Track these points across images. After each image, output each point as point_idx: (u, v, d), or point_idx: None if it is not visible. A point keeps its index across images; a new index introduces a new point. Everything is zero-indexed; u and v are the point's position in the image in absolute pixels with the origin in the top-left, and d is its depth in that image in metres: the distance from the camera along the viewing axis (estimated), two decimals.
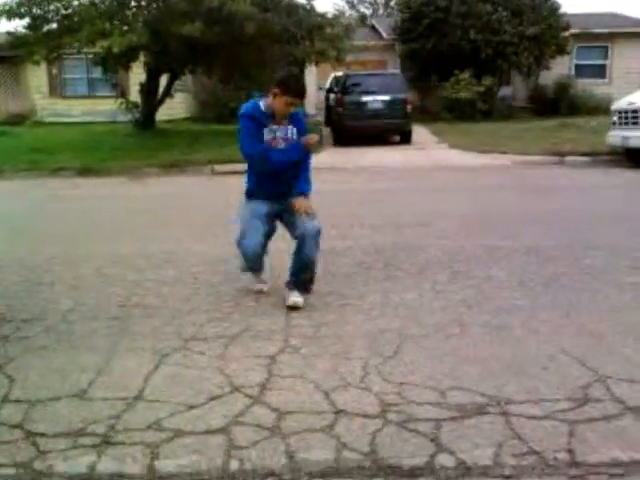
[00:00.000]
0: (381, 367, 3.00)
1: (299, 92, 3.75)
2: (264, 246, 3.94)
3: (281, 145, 3.80)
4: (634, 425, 2.43)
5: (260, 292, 4.14)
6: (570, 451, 2.26)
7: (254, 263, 4.02)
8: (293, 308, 3.80)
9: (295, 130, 3.85)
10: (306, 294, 3.92)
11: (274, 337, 3.39)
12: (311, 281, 3.96)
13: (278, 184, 3.84)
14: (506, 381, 2.81)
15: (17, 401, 2.72)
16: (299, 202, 3.78)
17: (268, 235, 3.95)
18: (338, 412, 2.58)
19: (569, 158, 11.14)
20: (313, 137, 3.86)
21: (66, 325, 3.64)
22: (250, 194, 3.96)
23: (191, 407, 2.64)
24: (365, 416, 2.55)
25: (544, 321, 3.56)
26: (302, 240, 3.76)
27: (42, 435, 2.44)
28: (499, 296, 4.02)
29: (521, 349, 3.18)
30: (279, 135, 3.80)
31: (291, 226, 3.88)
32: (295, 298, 3.84)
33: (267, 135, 3.78)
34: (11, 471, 2.23)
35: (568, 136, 13.50)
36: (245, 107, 3.84)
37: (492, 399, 2.65)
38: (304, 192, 3.88)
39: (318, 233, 3.77)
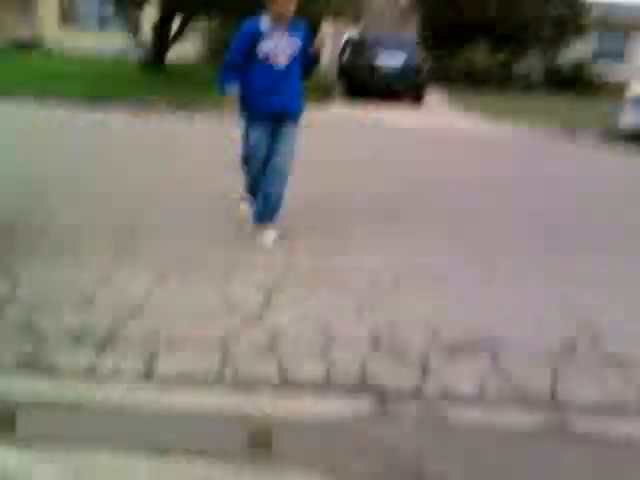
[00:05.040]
0: (377, 301, 3.07)
1: None
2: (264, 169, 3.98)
3: (283, 60, 3.81)
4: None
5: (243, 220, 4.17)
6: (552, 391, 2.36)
7: (256, 178, 4.02)
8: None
9: (297, 40, 3.84)
10: (270, 223, 4.03)
11: (274, 266, 3.47)
12: (274, 214, 4.05)
13: (268, 99, 3.84)
14: (499, 323, 2.89)
15: (21, 304, 2.79)
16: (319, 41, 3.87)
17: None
18: (331, 340, 2.66)
19: (580, 136, 11.10)
20: (320, 41, 3.87)
21: (69, 238, 3.70)
22: (247, 112, 3.95)
23: (189, 323, 2.71)
24: (357, 346, 2.62)
25: (538, 267, 3.63)
26: (271, 177, 3.92)
27: (45, 335, 2.52)
28: (498, 242, 4.08)
29: (517, 294, 3.26)
30: (282, 47, 3.80)
31: (272, 156, 3.93)
32: (265, 238, 3.96)
33: (269, 47, 3.77)
34: (14, 360, 2.31)
35: (581, 115, 13.43)
36: (246, 23, 3.86)
37: (483, 339, 2.73)
38: (296, 115, 3.97)
39: (287, 171, 3.93)
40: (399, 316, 2.92)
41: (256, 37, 3.77)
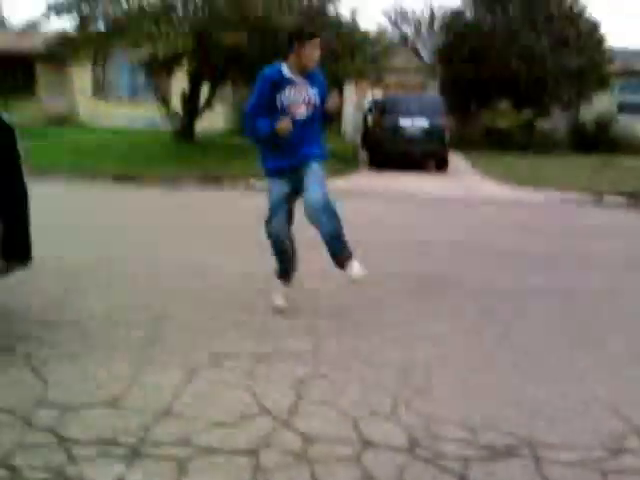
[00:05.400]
0: (411, 399, 2.98)
1: (317, 31, 3.83)
2: (288, 232, 3.98)
3: (302, 111, 3.77)
4: None
5: (278, 310, 4.08)
6: None
7: (282, 250, 3.99)
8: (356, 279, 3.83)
9: (316, 92, 3.82)
10: (349, 258, 3.82)
11: (304, 359, 3.39)
12: (345, 247, 3.86)
13: (289, 151, 3.80)
14: (538, 423, 2.77)
15: (51, 406, 2.76)
16: (333, 101, 3.87)
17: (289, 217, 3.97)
18: (365, 443, 2.57)
19: (607, 198, 10.88)
20: (333, 100, 3.86)
21: (100, 331, 3.69)
22: (267, 170, 3.95)
23: (220, 425, 2.65)
24: (393, 449, 2.53)
25: (578, 363, 3.50)
26: (313, 218, 3.76)
27: (74, 441, 2.47)
28: (531, 335, 3.97)
29: (555, 391, 3.13)
30: (302, 99, 3.77)
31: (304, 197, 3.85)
32: (353, 271, 3.77)
33: (290, 98, 3.75)
34: (43, 475, 2.26)
35: (607, 175, 13.27)
36: (266, 69, 3.85)
37: (523, 441, 2.62)
38: (318, 157, 3.87)
39: (327, 204, 3.73)
40: (434, 415, 2.82)
41: (277, 86, 3.74)
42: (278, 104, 3.75)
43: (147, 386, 3.00)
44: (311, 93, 3.81)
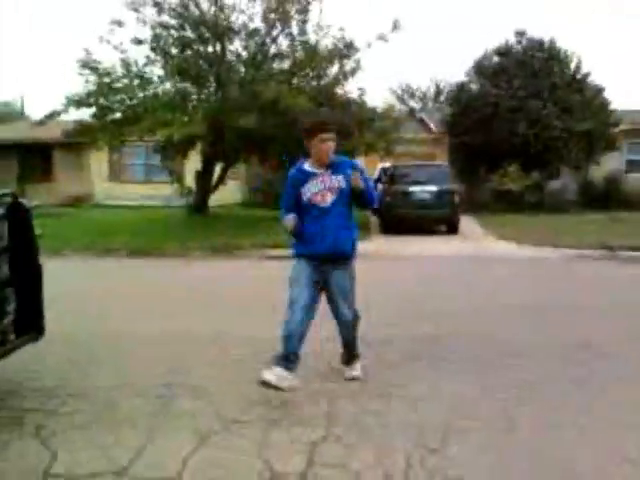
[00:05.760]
0: (425, 460, 2.90)
1: (324, 124, 3.85)
2: (307, 321, 3.79)
3: (328, 199, 3.81)
4: None
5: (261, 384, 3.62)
6: None
7: (291, 341, 3.72)
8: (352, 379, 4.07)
9: (342, 177, 3.83)
10: (346, 366, 4.16)
11: (316, 423, 3.33)
12: (353, 356, 4.16)
13: (320, 238, 3.82)
14: None
15: (57, 476, 2.72)
16: (355, 179, 3.80)
17: (312, 303, 3.85)
18: None
19: (621, 253, 10.83)
20: (355, 177, 3.79)
21: (110, 402, 3.66)
22: (296, 253, 3.97)
23: None
24: None
25: (598, 419, 3.40)
26: (339, 324, 4.06)
27: None
28: (548, 390, 3.88)
29: (572, 449, 3.03)
30: (325, 187, 3.82)
31: (331, 306, 3.99)
32: (353, 373, 4.11)
33: (312, 190, 3.83)
34: None
35: (619, 231, 13.25)
36: (291, 169, 4.01)
37: None
38: (345, 257, 3.92)
39: (352, 320, 4.03)
40: (449, 476, 2.74)
41: (300, 181, 3.86)
42: (303, 197, 3.86)
43: (155, 453, 2.95)
44: (334, 179, 3.86)
